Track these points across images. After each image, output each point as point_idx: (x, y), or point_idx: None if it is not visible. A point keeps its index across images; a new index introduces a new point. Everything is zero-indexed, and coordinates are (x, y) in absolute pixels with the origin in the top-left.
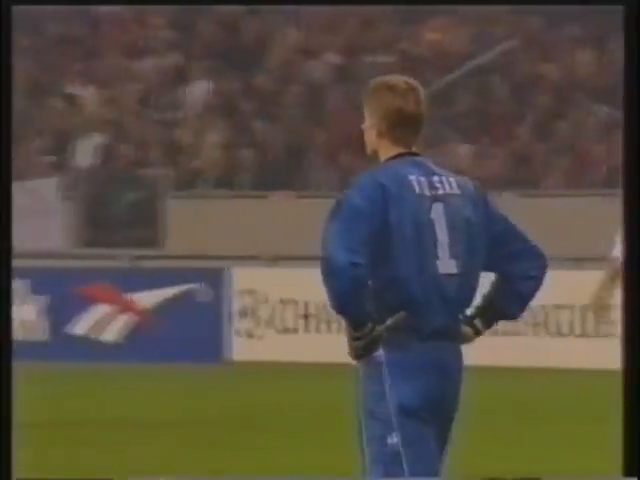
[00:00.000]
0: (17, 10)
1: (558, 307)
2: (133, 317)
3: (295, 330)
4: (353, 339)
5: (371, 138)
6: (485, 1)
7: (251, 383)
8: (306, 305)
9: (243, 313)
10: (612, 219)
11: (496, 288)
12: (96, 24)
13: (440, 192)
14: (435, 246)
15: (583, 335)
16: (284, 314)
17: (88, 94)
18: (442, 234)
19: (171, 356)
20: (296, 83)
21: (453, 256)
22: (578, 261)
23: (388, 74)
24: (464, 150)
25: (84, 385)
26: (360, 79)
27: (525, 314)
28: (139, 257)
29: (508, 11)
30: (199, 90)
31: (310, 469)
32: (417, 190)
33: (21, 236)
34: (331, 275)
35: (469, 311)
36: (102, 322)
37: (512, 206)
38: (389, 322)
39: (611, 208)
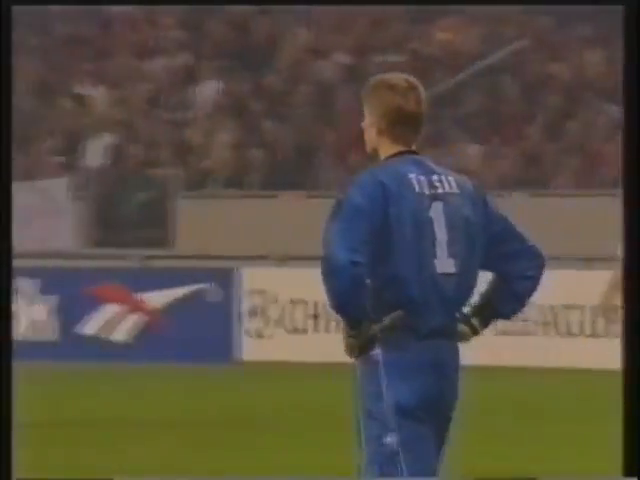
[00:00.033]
0: (26, 10)
1: (568, 307)
2: (143, 317)
3: (305, 330)
4: (349, 337)
5: (371, 136)
6: (493, 1)
7: (260, 383)
8: (316, 305)
9: (253, 313)
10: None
11: (493, 287)
12: (106, 24)
13: (440, 191)
14: (434, 245)
15: (593, 335)
16: (294, 314)
17: (98, 94)
18: (441, 233)
19: (180, 356)
20: (306, 83)
21: (451, 255)
22: (588, 261)
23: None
24: (474, 150)
25: (92, 385)
26: None
27: (535, 314)
28: (149, 257)
29: (518, 11)
30: (209, 90)
31: (321, 469)
32: (417, 189)
33: (31, 236)
34: (332, 274)
35: (466, 310)
36: (112, 322)
37: (522, 206)
38: (386, 321)
39: (621, 208)
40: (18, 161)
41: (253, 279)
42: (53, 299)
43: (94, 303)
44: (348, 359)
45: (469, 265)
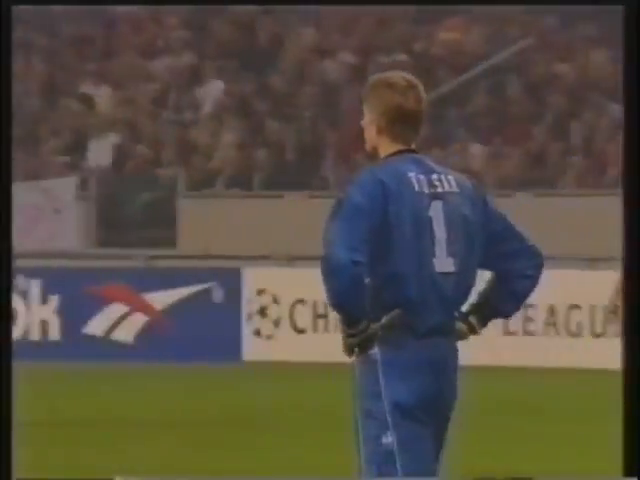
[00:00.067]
0: (32, 11)
1: (572, 307)
2: (147, 317)
3: (310, 330)
4: (347, 336)
5: (371, 135)
6: (493, 1)
7: (264, 383)
8: (317, 305)
9: (257, 313)
10: None
11: (492, 286)
12: (111, 24)
13: (439, 190)
14: (433, 244)
15: (596, 335)
16: (298, 314)
17: (103, 94)
18: (440, 232)
19: (185, 356)
20: (311, 83)
21: (450, 254)
22: (592, 261)
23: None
24: (479, 150)
25: (95, 385)
26: None
27: (539, 314)
28: (154, 257)
29: (523, 11)
30: (214, 90)
31: (332, 470)
32: (416, 188)
33: (36, 236)
34: (332, 273)
35: (464, 308)
36: (116, 322)
37: (527, 206)
38: (384, 320)
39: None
40: (23, 161)
41: (258, 279)
42: (57, 299)
43: (98, 303)
44: (351, 359)
45: (468, 264)
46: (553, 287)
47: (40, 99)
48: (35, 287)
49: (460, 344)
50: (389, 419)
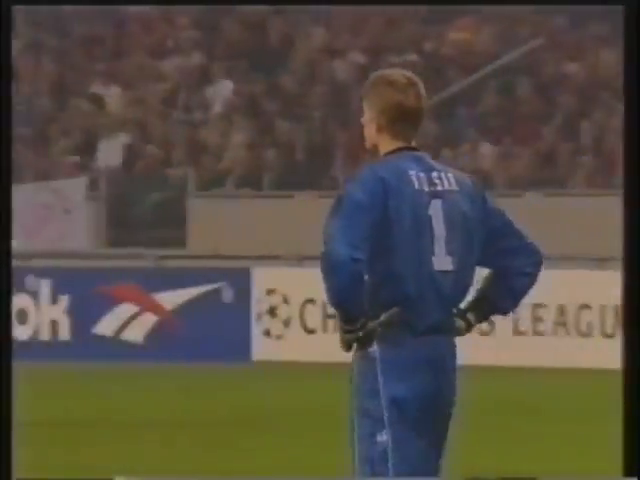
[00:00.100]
0: (42, 10)
1: (582, 307)
2: (157, 317)
3: (320, 330)
4: (345, 332)
5: (371, 132)
6: (506, 1)
7: (274, 383)
8: (327, 305)
9: (267, 313)
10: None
11: (490, 283)
12: (121, 24)
13: (439, 188)
14: (432, 242)
15: (606, 335)
16: (308, 314)
17: (113, 94)
18: (439, 230)
19: (194, 356)
20: (320, 83)
21: (449, 252)
22: (602, 261)
23: (414, 74)
24: (489, 150)
25: (105, 385)
26: None
27: (547, 314)
28: (163, 257)
29: (533, 11)
30: (224, 90)
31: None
32: (416, 185)
33: (46, 236)
34: (332, 270)
35: (462, 304)
36: (126, 322)
37: (536, 206)
38: (382, 318)
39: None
40: (33, 161)
41: (268, 279)
42: (67, 299)
43: (108, 303)
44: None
45: (467, 263)
46: (563, 287)
47: (50, 99)
48: (45, 287)
49: (468, 344)
50: (385, 417)
